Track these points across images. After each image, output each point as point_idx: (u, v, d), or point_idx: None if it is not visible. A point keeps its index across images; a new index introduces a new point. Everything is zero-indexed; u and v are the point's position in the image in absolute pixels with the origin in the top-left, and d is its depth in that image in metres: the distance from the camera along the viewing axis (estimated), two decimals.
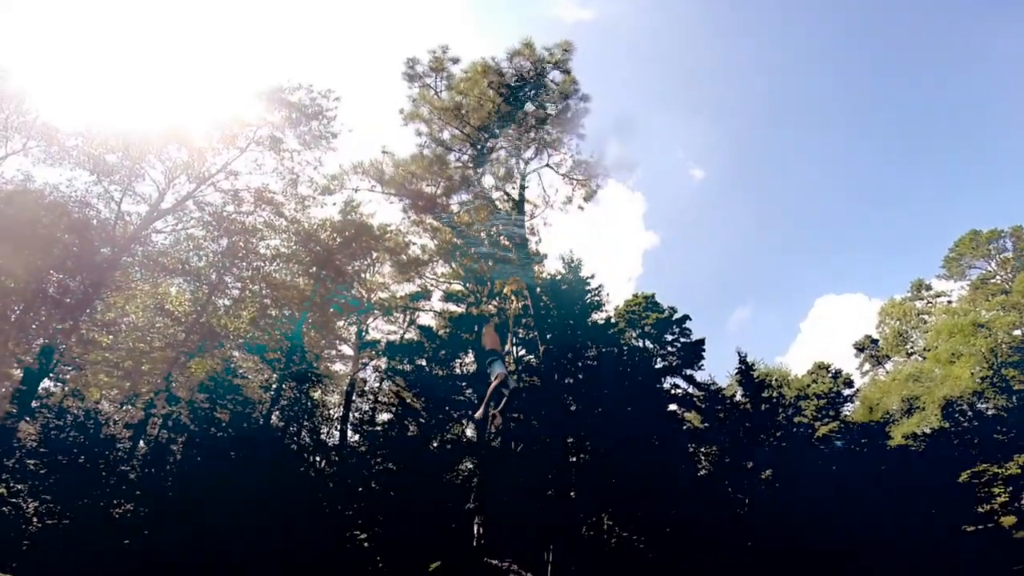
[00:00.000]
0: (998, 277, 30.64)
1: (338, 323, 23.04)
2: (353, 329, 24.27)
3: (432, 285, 25.30)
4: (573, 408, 31.89)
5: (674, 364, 34.09)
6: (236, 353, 20.26)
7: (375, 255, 21.34)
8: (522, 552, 24.97)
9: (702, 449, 34.01)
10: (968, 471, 26.94)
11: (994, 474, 26.08)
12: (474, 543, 26.81)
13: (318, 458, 24.82)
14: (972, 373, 28.32)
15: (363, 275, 21.91)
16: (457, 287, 26.39)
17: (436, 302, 26.42)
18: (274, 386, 23.69)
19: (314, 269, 19.17)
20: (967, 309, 29.81)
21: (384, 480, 26.31)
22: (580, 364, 33.35)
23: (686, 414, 34.58)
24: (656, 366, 34.30)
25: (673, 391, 34.41)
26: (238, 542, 17.55)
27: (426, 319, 27.21)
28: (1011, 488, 25.37)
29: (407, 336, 27.29)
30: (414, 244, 22.50)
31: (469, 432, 32.33)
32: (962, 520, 25.27)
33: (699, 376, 34.42)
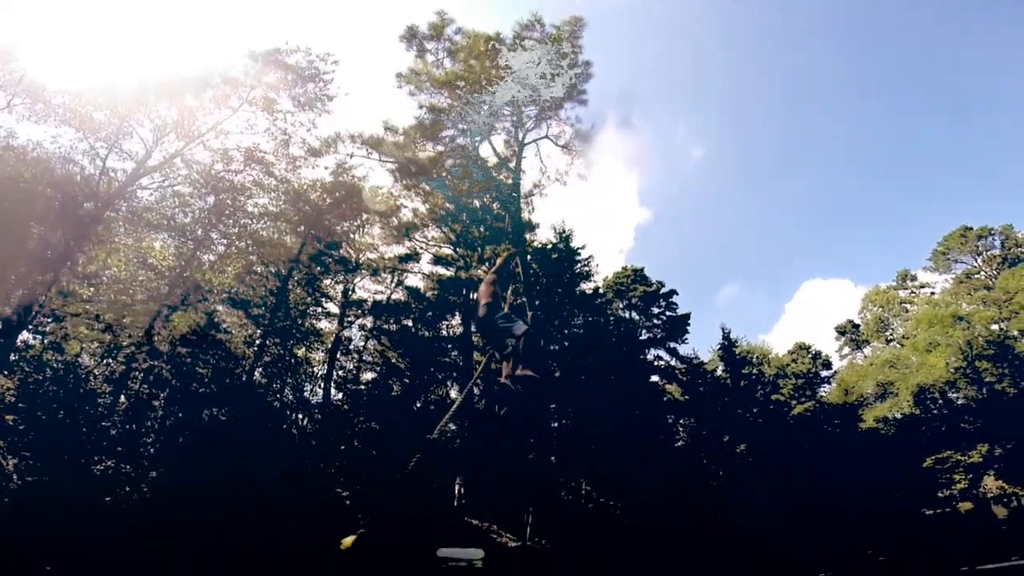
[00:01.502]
0: (982, 273, 31.03)
1: (325, 281, 22.77)
2: (340, 288, 24.02)
3: (422, 248, 25.02)
4: (557, 375, 32.18)
5: (659, 337, 34.41)
6: (220, 308, 19.97)
7: (365, 217, 20.98)
8: (502, 514, 25.57)
9: (680, 421, 34.69)
10: (933, 457, 27.81)
11: (956, 461, 26.96)
12: (455, 503, 27.41)
13: (301, 416, 24.89)
14: (947, 363, 28.91)
15: (352, 236, 21.56)
16: (447, 251, 26.13)
17: (425, 265, 26.20)
18: (258, 342, 23.52)
19: (302, 228, 18.78)
20: (949, 301, 30.28)
21: (367, 439, 26.55)
22: (566, 332, 33.54)
23: (667, 386, 35.11)
24: (641, 338, 34.63)
25: (656, 363, 34.87)
26: (219, 499, 17.63)
27: (414, 281, 27.02)
28: (971, 476, 26.28)
29: (394, 297, 27.12)
30: (405, 208, 22.19)
31: (453, 393, 32.66)
32: (923, 504, 26.24)
33: (682, 350, 34.83)
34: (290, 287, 21.70)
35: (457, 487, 26.90)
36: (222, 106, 14.40)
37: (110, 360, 17.22)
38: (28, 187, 11.26)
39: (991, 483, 25.74)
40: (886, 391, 31.84)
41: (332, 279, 23.05)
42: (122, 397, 17.22)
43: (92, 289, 14.64)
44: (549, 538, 24.29)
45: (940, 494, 26.41)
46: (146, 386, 18.32)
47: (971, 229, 32.25)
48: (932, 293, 33.47)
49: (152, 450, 17.49)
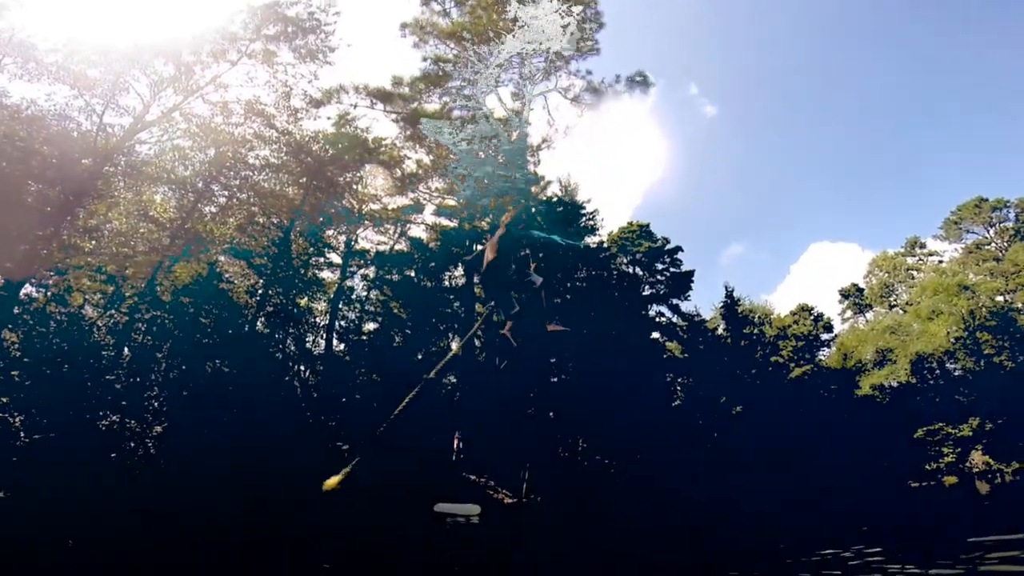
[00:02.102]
0: (993, 245, 30.69)
1: (327, 232, 22.50)
2: (342, 239, 23.76)
3: (425, 199, 24.59)
4: (562, 328, 32.05)
5: (661, 293, 34.32)
6: (222, 258, 19.79)
7: (368, 168, 20.52)
8: (499, 469, 26.15)
9: (679, 380, 35.02)
10: (924, 428, 28.19)
11: (947, 434, 27.33)
12: (453, 457, 28.00)
13: (303, 367, 25.07)
14: (948, 332, 28.94)
15: (355, 187, 21.13)
16: (451, 203, 25.69)
17: (428, 216, 25.83)
18: (259, 292, 23.44)
19: (304, 180, 18.37)
20: (956, 270, 30.05)
21: (368, 390, 26.85)
22: (569, 285, 33.39)
23: (668, 343, 35.30)
24: (644, 293, 34.55)
25: (658, 319, 34.92)
26: (222, 453, 17.93)
27: (417, 232, 26.70)
28: (959, 450, 26.70)
29: (397, 248, 26.87)
30: (409, 159, 21.69)
31: (454, 345, 32.80)
32: (910, 475, 26.79)
33: (685, 307, 34.81)
34: (292, 237, 21.45)
35: (456, 441, 27.42)
36: (221, 60, 13.78)
37: (113, 311, 17.16)
38: (24, 144, 10.89)
39: (977, 458, 26.22)
40: (885, 358, 32.00)
41: (335, 230, 22.76)
42: (126, 350, 17.25)
43: (93, 243, 14.43)
44: (545, 495, 24.94)
45: (928, 467, 26.90)
46: (149, 337, 18.32)
47: (986, 200, 31.68)
48: (940, 262, 33.25)
49: (156, 404, 17.64)
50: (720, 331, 35.06)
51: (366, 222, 22.61)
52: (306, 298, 24.94)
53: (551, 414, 29.17)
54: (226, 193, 16.88)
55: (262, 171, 17.09)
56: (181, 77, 13.33)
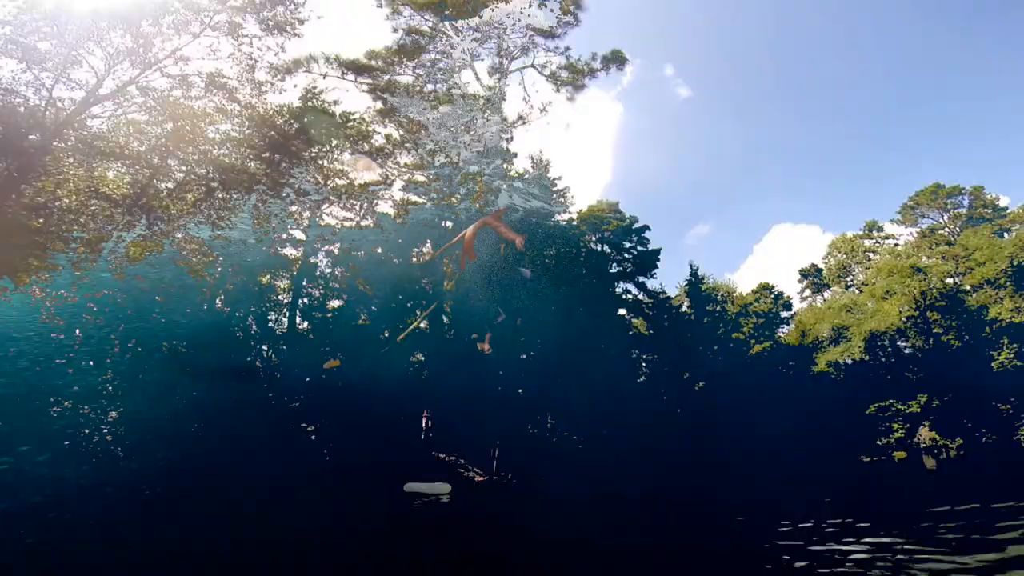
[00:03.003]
0: (946, 230, 31.96)
1: (291, 208, 21.66)
2: (306, 215, 22.92)
3: (394, 175, 23.85)
4: (527, 304, 32.19)
5: (628, 271, 34.55)
6: (179, 235, 18.82)
7: (335, 143, 19.71)
8: (469, 447, 26.16)
9: (644, 356, 35.54)
10: (876, 404, 29.39)
11: (897, 410, 28.57)
12: (422, 436, 27.85)
13: (265, 346, 24.35)
14: (900, 311, 30.06)
15: (321, 161, 20.28)
16: (420, 178, 25.04)
17: (397, 192, 25.11)
18: (219, 270, 22.53)
19: (268, 154, 17.49)
20: (910, 253, 31.21)
21: (333, 370, 26.33)
22: (538, 262, 33.24)
23: (634, 320, 35.74)
24: (611, 271, 34.75)
25: (625, 296, 35.26)
26: (183, 436, 17.34)
27: (385, 208, 25.96)
28: (908, 425, 27.99)
29: (364, 224, 26.12)
30: (378, 134, 20.96)
31: (424, 324, 32.39)
32: (862, 449, 27.98)
33: (651, 284, 35.18)
34: (254, 214, 20.55)
35: (425, 420, 27.25)
36: (182, 32, 12.79)
37: (63, 291, 16.19)
38: None
39: (925, 434, 27.56)
40: (840, 335, 33.11)
41: (299, 205, 21.91)
42: (77, 331, 16.34)
43: (42, 221, 13.43)
44: (515, 472, 25.11)
45: (879, 441, 28.10)
46: (101, 318, 17.40)
47: (943, 187, 32.87)
48: (896, 245, 34.46)
49: (110, 388, 16.84)
50: (684, 308, 35.59)
51: (332, 198, 21.83)
52: (268, 275, 24.10)
53: (520, 391, 29.27)
54: (183, 168, 15.92)
55: (222, 145, 16.16)
56: (139, 50, 12.34)
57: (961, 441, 27.67)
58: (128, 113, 13.39)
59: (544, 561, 9.79)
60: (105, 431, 16.69)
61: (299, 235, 24.15)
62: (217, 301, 22.50)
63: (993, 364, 28.70)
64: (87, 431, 14.54)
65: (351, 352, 27.30)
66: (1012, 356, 28.29)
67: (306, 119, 18.03)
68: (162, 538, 10.60)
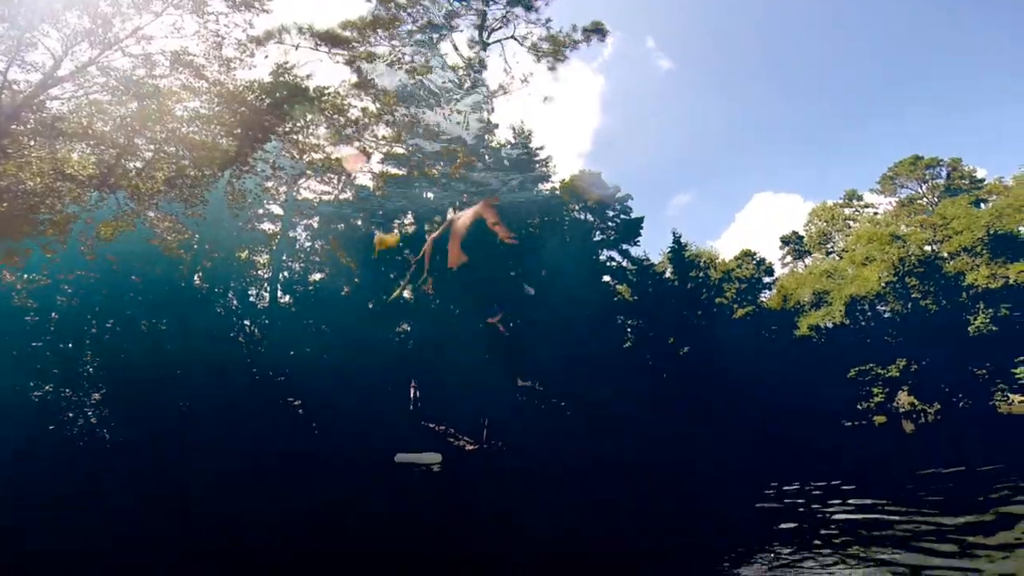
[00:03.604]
0: (925, 200, 32.08)
1: (267, 183, 21.28)
2: (283, 189, 22.55)
3: (372, 147, 23.40)
4: (513, 273, 32.11)
5: (612, 239, 34.58)
6: (151, 214, 18.49)
7: (310, 117, 19.25)
8: (458, 416, 26.42)
9: (629, 322, 35.87)
10: (856, 368, 29.95)
11: (877, 374, 29.16)
12: (411, 407, 28.06)
13: (247, 322, 24.26)
14: (879, 277, 30.42)
15: (296, 136, 19.84)
16: (399, 150, 24.63)
17: (375, 164, 24.72)
18: (195, 247, 22.26)
19: (239, 130, 17.05)
20: (889, 221, 31.40)
21: (317, 341, 26.31)
22: (522, 232, 33.13)
23: (618, 287, 35.96)
24: (595, 239, 34.73)
25: (609, 263, 35.39)
26: (168, 416, 17.40)
27: (364, 180, 25.61)
28: (888, 390, 28.61)
29: (343, 197, 25.79)
30: (354, 107, 20.46)
31: (407, 294, 32.26)
32: (843, 414, 28.62)
33: (634, 252, 35.34)
34: (228, 190, 20.18)
35: (413, 391, 27.43)
36: (143, 11, 12.21)
37: (34, 274, 15.97)
38: None
39: (904, 398, 28.22)
40: (821, 300, 33.53)
41: (275, 181, 21.52)
42: (53, 314, 16.18)
43: (5, 205, 13.10)
44: (505, 439, 25.46)
45: (859, 406, 28.74)
46: (76, 299, 17.23)
47: (922, 158, 32.85)
48: (875, 213, 34.61)
49: (91, 369, 16.79)
50: (668, 275, 35.79)
51: (308, 172, 21.46)
52: (247, 251, 23.84)
53: (508, 358, 29.43)
54: (152, 147, 15.48)
55: (192, 123, 15.69)
56: (98, 30, 11.80)
57: (939, 406, 28.36)
58: (90, 94, 12.90)
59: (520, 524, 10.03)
60: (89, 412, 16.74)
61: (276, 210, 23.82)
62: (196, 278, 22.29)
63: (970, 329, 29.25)
64: (71, 414, 14.59)
65: (335, 324, 27.29)
66: (988, 321, 28.83)
67: (278, 94, 17.54)
68: (151, 515, 10.77)
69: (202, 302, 22.71)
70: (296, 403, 23.01)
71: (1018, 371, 27.95)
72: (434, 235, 7.34)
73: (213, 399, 20.15)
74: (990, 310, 28.75)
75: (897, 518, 9.48)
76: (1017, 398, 27.38)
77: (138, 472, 15.22)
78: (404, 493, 15.09)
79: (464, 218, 7.20)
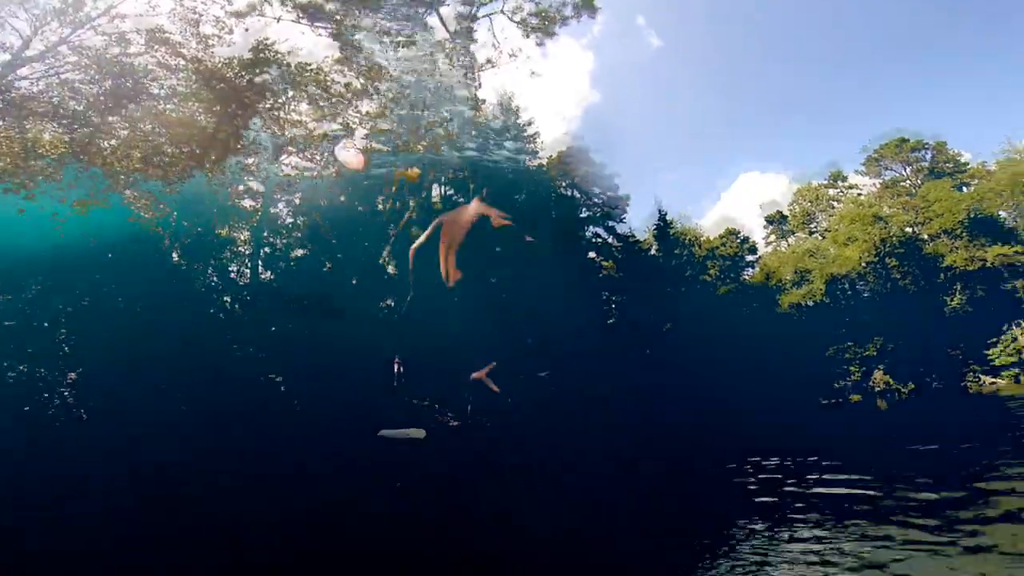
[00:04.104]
0: (908, 182, 32.27)
1: (248, 160, 20.84)
2: (264, 166, 22.08)
3: (355, 123, 22.96)
4: (498, 249, 32.07)
5: (598, 215, 34.55)
6: (127, 192, 18.06)
7: (292, 93, 18.78)
8: (442, 392, 26.46)
9: (614, 297, 36.07)
10: (835, 347, 30.47)
11: (855, 352, 29.70)
12: (395, 383, 28.03)
13: (228, 298, 23.96)
14: (860, 257, 30.78)
15: (277, 112, 19.36)
16: (384, 126, 24.13)
17: (359, 140, 24.22)
18: (173, 224, 21.83)
19: (219, 107, 16.60)
20: (872, 203, 31.65)
21: (300, 319, 26.10)
22: (509, 207, 32.81)
23: (603, 263, 36.06)
24: (581, 215, 34.65)
25: (594, 240, 35.44)
26: (146, 394, 17.23)
27: (347, 157, 25.07)
28: (864, 368, 29.19)
29: (326, 173, 25.30)
30: (337, 83, 19.99)
31: (391, 269, 32.09)
32: (821, 392, 29.21)
33: (620, 229, 35.37)
34: (207, 167, 19.72)
35: (396, 366, 27.42)
36: None
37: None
38: None
39: (879, 377, 28.83)
40: (803, 278, 33.91)
41: (255, 157, 21.06)
42: (26, 293, 15.85)
43: None
44: (488, 416, 25.63)
45: (836, 384, 29.34)
46: (50, 281, 16.87)
47: (907, 141, 32.93)
48: (859, 194, 34.74)
49: (66, 348, 16.55)
50: (653, 252, 35.88)
51: (290, 148, 21.01)
52: (227, 227, 23.40)
53: (487, 335, 29.45)
54: (127, 125, 15.02)
55: (169, 100, 15.23)
56: (68, 10, 11.25)
57: (913, 386, 29.02)
58: (61, 73, 12.40)
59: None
60: (65, 392, 16.55)
61: (257, 186, 23.32)
62: (173, 255, 21.91)
63: (945, 309, 29.82)
64: (47, 394, 14.41)
65: (318, 300, 27.07)
66: (964, 301, 29.39)
67: (259, 70, 17.05)
68: (127, 490, 10.80)
69: (181, 278, 22.37)
70: (278, 379, 22.90)
71: (991, 352, 28.66)
72: (419, 242, 6.78)
73: (192, 376, 19.99)
74: (966, 291, 29.30)
75: (873, 492, 9.79)
76: (988, 379, 28.13)
77: (115, 452, 15.16)
78: (383, 467, 15.20)
79: (458, 227, 6.57)
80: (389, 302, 30.96)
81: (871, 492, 9.83)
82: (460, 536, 9.37)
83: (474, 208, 6.73)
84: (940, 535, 7.43)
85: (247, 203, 23.45)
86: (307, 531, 9.28)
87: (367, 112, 22.76)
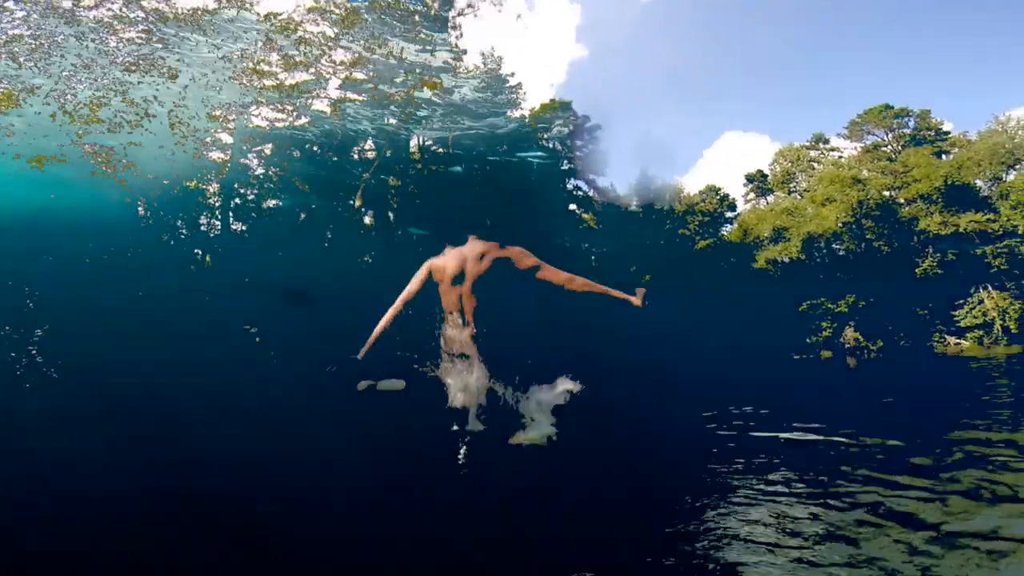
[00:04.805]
0: (889, 147, 32.18)
1: (215, 112, 19.93)
2: (232, 117, 21.13)
3: (329, 73, 21.95)
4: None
5: (580, 168, 34.27)
6: (86, 146, 17.32)
7: (260, 44, 17.79)
8: (422, 343, 26.42)
9: (594, 249, 36.22)
10: (808, 302, 31.09)
11: (827, 308, 30.35)
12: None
13: (197, 251, 23.40)
14: (837, 217, 31.00)
15: (246, 62, 18.41)
16: (360, 76, 23.13)
17: (333, 90, 23.25)
18: (136, 177, 21.03)
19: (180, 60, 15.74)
20: (852, 165, 31.65)
21: (277, 269, 25.68)
22: (489, 158, 32.51)
23: (584, 215, 36.04)
24: (563, 168, 34.26)
25: (576, 192, 35.38)
26: (116, 347, 17.02)
27: (320, 106, 24.14)
28: (836, 325, 29.92)
29: (298, 123, 24.41)
30: (310, 32, 18.98)
31: (367, 220, 31.58)
32: (793, 347, 29.95)
33: (601, 182, 35.31)
34: (171, 119, 18.88)
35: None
36: None
37: None
38: None
39: (850, 334, 29.61)
40: (780, 235, 34.18)
41: (222, 109, 20.13)
42: None
43: None
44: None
45: (808, 340, 30.06)
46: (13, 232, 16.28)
47: (891, 107, 32.67)
48: (840, 157, 34.61)
49: (31, 304, 16.17)
50: (633, 207, 35.80)
51: (260, 100, 20.09)
52: (195, 180, 22.56)
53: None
54: (91, 80, 14.24)
55: (126, 50, 14.36)
56: None
57: (881, 344, 29.90)
58: (10, 30, 11.51)
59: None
60: (33, 351, 16.27)
61: (226, 138, 22.36)
62: (139, 208, 21.17)
63: (916, 271, 30.45)
64: (13, 353, 14.13)
65: (291, 251, 26.63)
66: (935, 264, 30.00)
67: (224, 20, 16.10)
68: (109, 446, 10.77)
69: (149, 231, 21.74)
70: (253, 330, 22.69)
71: (957, 314, 29.55)
72: (410, 291, 5.71)
73: (163, 328, 19.74)
74: (937, 255, 29.84)
75: (846, 441, 10.27)
76: (953, 340, 29.12)
77: (87, 414, 15.06)
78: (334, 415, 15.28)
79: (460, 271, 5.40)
80: (368, 259, 30.63)
81: (840, 439, 10.31)
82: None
83: (474, 251, 5.38)
84: (915, 480, 7.91)
85: (215, 155, 22.54)
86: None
87: (341, 62, 21.76)
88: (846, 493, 7.14)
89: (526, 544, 5.46)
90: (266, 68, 19.07)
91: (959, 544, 6.45)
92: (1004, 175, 27.83)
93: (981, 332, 28.83)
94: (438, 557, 5.42)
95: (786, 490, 7.68)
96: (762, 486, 7.80)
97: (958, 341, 29.30)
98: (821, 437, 10.44)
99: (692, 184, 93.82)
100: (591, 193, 35.56)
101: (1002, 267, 28.20)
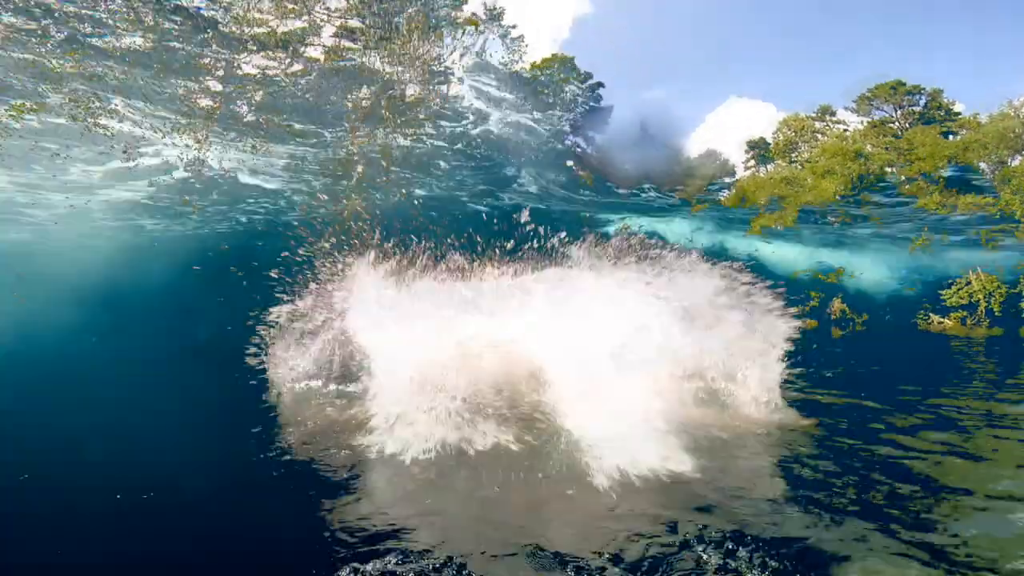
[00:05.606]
0: (896, 124, 31.29)
1: (203, 60, 19.24)
2: (222, 65, 20.39)
3: (323, 20, 21.08)
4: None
5: (579, 125, 33.61)
6: (67, 90, 16.83)
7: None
8: None
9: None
10: (797, 271, 31.27)
11: (817, 279, 30.61)
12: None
13: (188, 196, 23.15)
14: (836, 191, 30.70)
15: (234, 10, 17.61)
16: (355, 23, 22.21)
17: (327, 38, 22.36)
18: (126, 129, 20.56)
19: (160, 20, 15.06)
20: (856, 139, 30.93)
21: (268, 212, 25.52)
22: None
23: (581, 172, 35.80)
24: (562, 125, 33.63)
25: (575, 149, 34.97)
26: (91, 301, 17.20)
27: (315, 53, 23.28)
28: (824, 294, 30.23)
29: (291, 71, 23.60)
30: None
31: (360, 168, 31.29)
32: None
33: (600, 140, 34.82)
34: (156, 68, 18.26)
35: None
36: None
37: None
38: None
39: (836, 305, 29.94)
40: (776, 204, 33.92)
41: (211, 57, 19.40)
42: None
43: None
44: None
45: (795, 310, 30.40)
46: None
47: (904, 84, 31.58)
48: (845, 130, 33.74)
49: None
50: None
51: (251, 48, 19.36)
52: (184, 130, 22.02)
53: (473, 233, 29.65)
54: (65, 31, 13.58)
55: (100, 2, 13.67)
56: None
57: (867, 316, 30.35)
58: None
59: None
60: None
61: (215, 85, 21.62)
62: (129, 161, 20.78)
63: (909, 248, 30.52)
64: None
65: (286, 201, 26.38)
66: (928, 243, 30.06)
67: None
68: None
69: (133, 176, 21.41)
70: (240, 274, 22.69)
71: (944, 293, 29.82)
72: None
73: (147, 274, 19.79)
74: (932, 233, 29.85)
75: (835, 399, 12.60)
76: (937, 319, 29.48)
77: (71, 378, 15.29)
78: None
79: None
80: (358, 209, 30.37)
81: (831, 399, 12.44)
82: None
83: None
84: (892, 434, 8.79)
85: (205, 103, 21.84)
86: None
87: (336, 9, 20.84)
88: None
89: None
90: (256, 15, 18.33)
91: (943, 497, 7.95)
92: (1010, 160, 27.48)
93: (964, 312, 29.18)
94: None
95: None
96: None
97: (942, 320, 29.67)
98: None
99: (694, 148, 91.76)
100: (589, 151, 35.15)
101: (994, 250, 28.30)
